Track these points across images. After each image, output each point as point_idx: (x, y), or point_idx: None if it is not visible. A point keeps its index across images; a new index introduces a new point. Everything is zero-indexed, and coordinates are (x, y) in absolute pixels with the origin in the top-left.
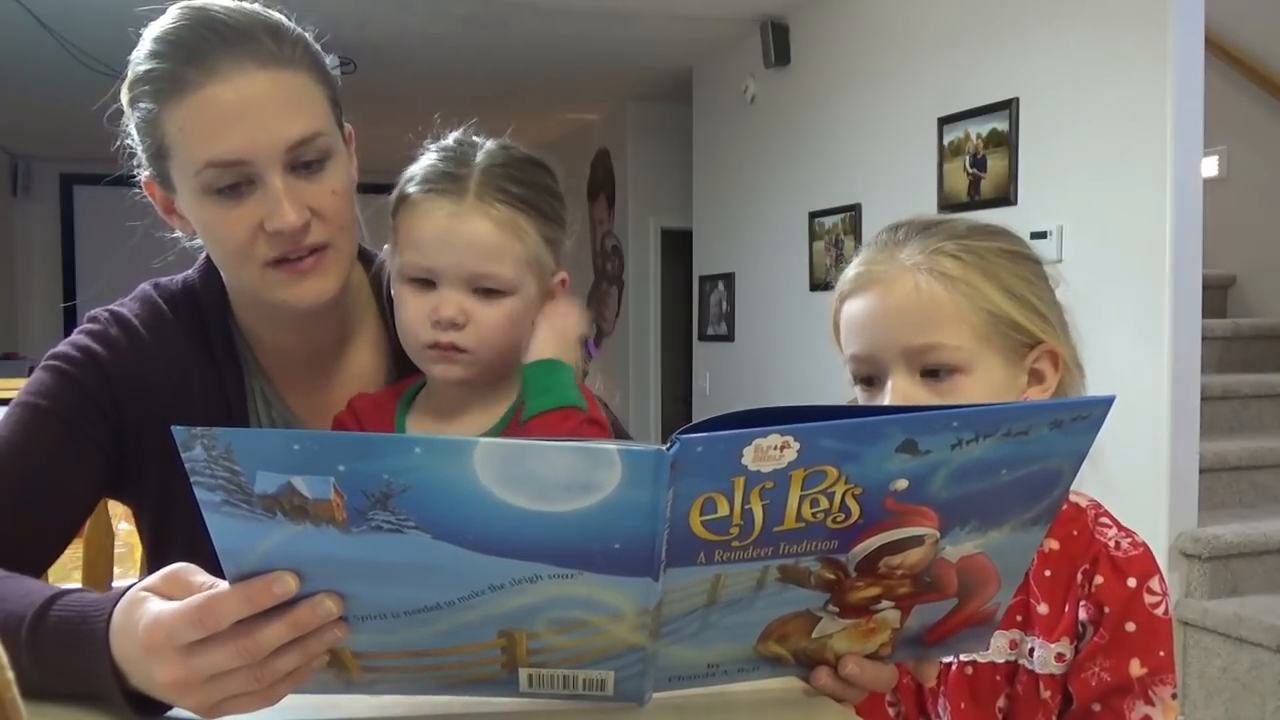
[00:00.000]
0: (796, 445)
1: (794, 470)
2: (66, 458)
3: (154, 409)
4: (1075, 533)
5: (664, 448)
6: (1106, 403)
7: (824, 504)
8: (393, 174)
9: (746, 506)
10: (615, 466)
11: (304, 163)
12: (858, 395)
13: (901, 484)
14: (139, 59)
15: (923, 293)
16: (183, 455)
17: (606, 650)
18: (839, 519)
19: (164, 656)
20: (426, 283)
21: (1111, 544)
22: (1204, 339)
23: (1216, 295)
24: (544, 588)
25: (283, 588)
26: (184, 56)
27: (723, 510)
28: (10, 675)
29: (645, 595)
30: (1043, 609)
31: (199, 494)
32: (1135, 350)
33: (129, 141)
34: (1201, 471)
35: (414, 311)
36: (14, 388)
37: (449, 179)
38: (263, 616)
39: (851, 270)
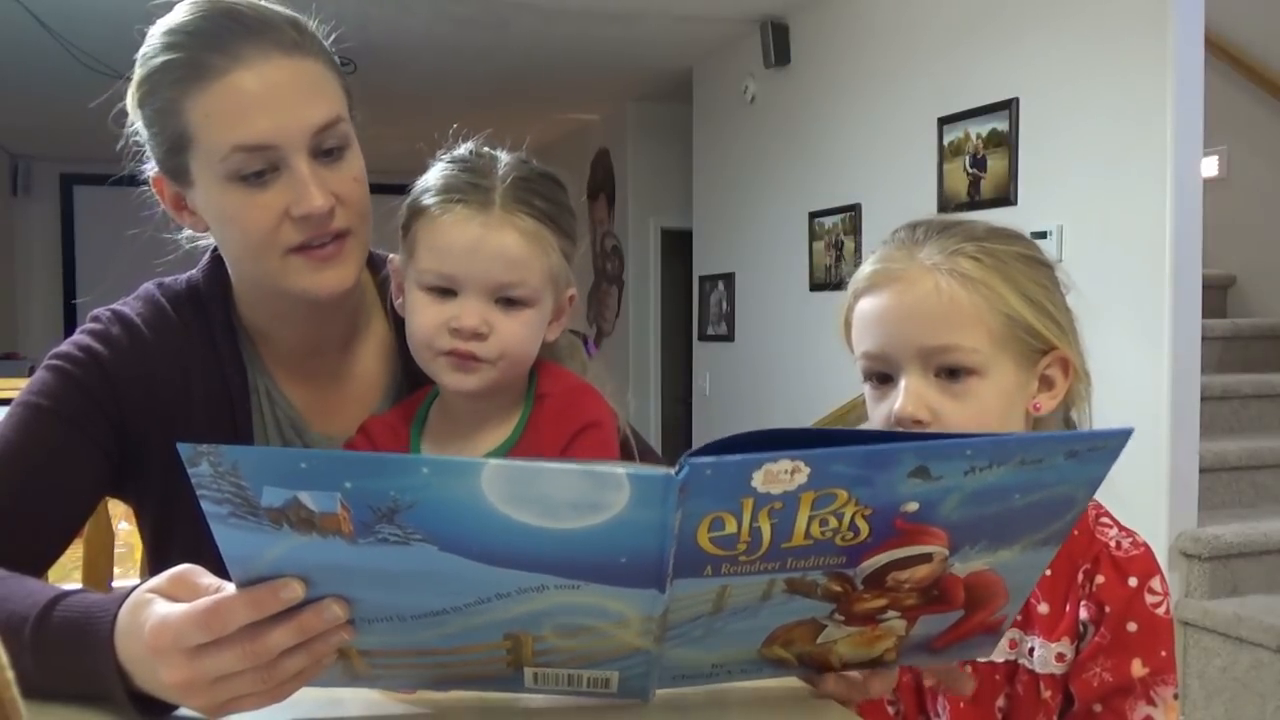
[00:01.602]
0: (807, 470)
1: (804, 493)
2: (68, 457)
3: (156, 408)
4: (1076, 532)
5: (673, 471)
6: (1124, 435)
7: (833, 523)
8: (394, 174)
9: (755, 525)
10: (624, 489)
11: (325, 150)
12: (867, 393)
13: (912, 506)
14: (151, 52)
15: (943, 293)
16: (189, 471)
17: (612, 652)
18: (848, 537)
19: (170, 658)
20: (445, 291)
21: (1113, 544)
22: (1204, 339)
23: (1216, 295)
24: (550, 596)
25: (290, 594)
26: (207, 44)
27: (730, 528)
28: (10, 675)
29: (651, 605)
30: (1043, 609)
31: (205, 507)
32: (1135, 350)
33: (136, 140)
34: (1201, 471)
35: (431, 319)
36: (14, 388)
37: (474, 189)
38: (270, 620)
39: (868, 268)
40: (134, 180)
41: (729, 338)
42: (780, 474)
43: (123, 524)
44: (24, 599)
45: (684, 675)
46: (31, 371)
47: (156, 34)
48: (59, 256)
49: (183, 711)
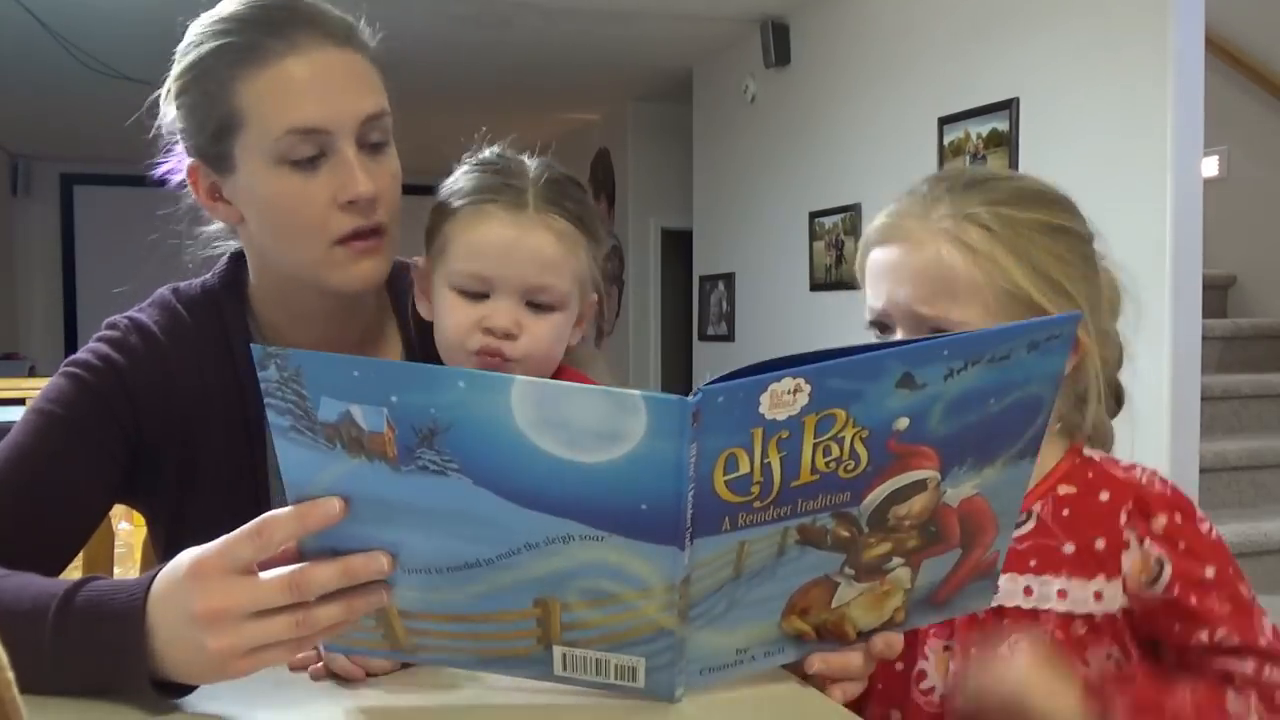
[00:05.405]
0: (808, 388)
1: (807, 415)
2: (80, 466)
3: (173, 415)
4: (1091, 475)
5: (687, 397)
6: (1074, 320)
7: (835, 451)
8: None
9: (765, 460)
10: (640, 412)
11: (370, 142)
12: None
13: (903, 423)
14: (199, 39)
15: (943, 263)
16: (259, 375)
17: (637, 630)
18: (850, 467)
19: (209, 584)
20: (477, 292)
21: (1143, 480)
22: (1204, 339)
23: (1216, 295)
24: (575, 550)
25: (330, 508)
26: (263, 29)
27: (744, 468)
28: (10, 675)
29: (673, 567)
30: (1069, 548)
31: (270, 417)
32: (1135, 350)
33: (171, 133)
34: (1201, 471)
35: (462, 318)
36: (14, 388)
37: (508, 189)
38: (315, 561)
39: (881, 218)
40: (139, 180)
41: (729, 338)
42: (784, 395)
43: (123, 524)
44: (49, 583)
45: (710, 667)
46: (32, 372)
47: (205, 23)
48: (59, 256)
49: (197, 700)
